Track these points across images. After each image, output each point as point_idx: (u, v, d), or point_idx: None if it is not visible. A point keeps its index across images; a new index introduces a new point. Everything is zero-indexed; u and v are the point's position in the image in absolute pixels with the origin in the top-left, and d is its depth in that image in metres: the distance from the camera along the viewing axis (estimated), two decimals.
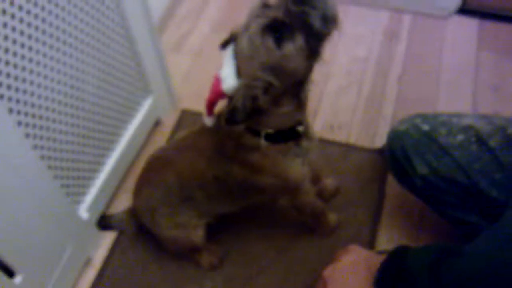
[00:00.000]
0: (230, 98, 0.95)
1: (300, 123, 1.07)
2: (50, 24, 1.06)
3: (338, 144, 1.64)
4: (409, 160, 1.16)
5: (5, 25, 0.93)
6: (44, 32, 1.04)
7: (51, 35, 1.06)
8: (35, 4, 1.00)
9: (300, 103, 1.02)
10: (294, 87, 0.97)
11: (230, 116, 0.92)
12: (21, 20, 0.97)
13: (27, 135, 1.07)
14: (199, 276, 1.38)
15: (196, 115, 1.72)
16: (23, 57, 1.00)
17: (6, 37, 0.94)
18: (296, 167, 1.11)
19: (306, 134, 1.10)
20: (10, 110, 1.00)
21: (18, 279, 1.12)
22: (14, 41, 0.97)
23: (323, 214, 1.37)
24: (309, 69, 0.95)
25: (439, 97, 1.77)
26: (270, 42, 0.87)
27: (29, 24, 0.99)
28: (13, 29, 0.96)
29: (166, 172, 1.20)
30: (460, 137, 1.10)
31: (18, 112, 1.02)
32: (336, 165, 1.58)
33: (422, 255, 0.88)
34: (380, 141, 1.64)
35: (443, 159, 1.11)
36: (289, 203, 1.24)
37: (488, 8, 2.00)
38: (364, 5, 2.10)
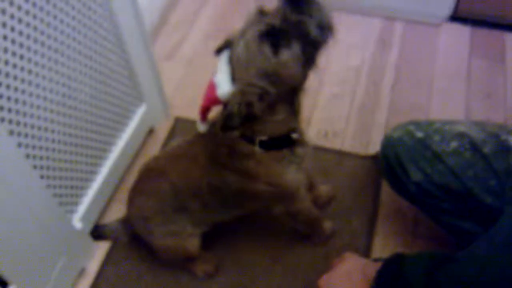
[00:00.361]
0: (225, 104, 0.95)
1: (294, 130, 1.07)
2: (42, 33, 1.05)
3: (332, 152, 1.64)
4: (403, 167, 1.16)
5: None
6: (35, 40, 1.04)
7: (42, 44, 1.06)
8: (27, 13, 0.99)
9: (294, 111, 1.03)
10: (289, 95, 0.98)
11: (225, 122, 0.93)
12: (13, 29, 0.96)
13: (19, 145, 1.06)
14: (194, 285, 1.37)
15: (190, 122, 1.71)
16: (14, 66, 0.99)
17: None
18: (291, 174, 1.11)
19: (300, 141, 1.10)
20: (2, 120, 0.99)
21: None
22: (6, 50, 0.96)
23: (318, 221, 1.36)
24: (304, 76, 0.95)
25: (432, 105, 1.78)
26: (267, 49, 0.88)
27: (20, 33, 0.99)
28: (5, 37, 0.95)
29: (159, 181, 1.19)
30: (453, 144, 1.10)
31: (10, 122, 1.01)
32: (330, 172, 1.58)
33: (418, 262, 0.87)
34: (374, 148, 1.64)
35: (437, 166, 1.11)
36: (284, 211, 1.23)
37: (479, 15, 2.02)
38: (357, 13, 2.11)
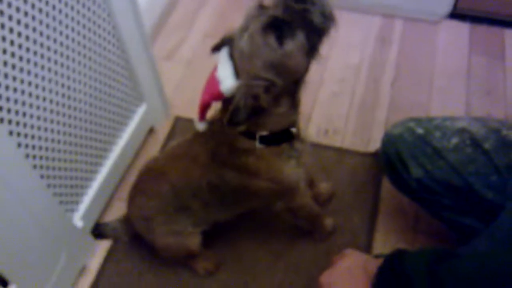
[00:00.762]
0: (226, 100, 0.95)
1: (294, 124, 1.07)
2: (41, 34, 1.05)
3: (332, 149, 1.64)
4: (403, 164, 1.16)
5: None
6: (34, 41, 1.04)
7: (41, 45, 1.06)
8: (25, 14, 0.99)
9: (295, 103, 1.03)
10: (292, 86, 0.98)
11: (231, 116, 0.92)
12: (11, 30, 0.96)
13: (19, 145, 1.06)
14: (195, 283, 1.37)
15: (189, 122, 1.71)
16: (13, 66, 0.99)
17: None
18: (291, 169, 1.11)
19: (298, 136, 1.11)
20: (1, 120, 0.99)
21: None
22: (4, 51, 0.96)
23: (319, 218, 1.37)
24: (308, 66, 0.95)
25: (432, 102, 1.78)
26: (271, 40, 0.88)
27: (19, 34, 0.99)
28: (3, 38, 0.95)
29: (160, 181, 1.19)
30: (454, 140, 1.10)
31: (10, 122, 1.01)
32: (331, 169, 1.58)
33: (420, 258, 0.87)
34: (374, 145, 1.64)
35: (437, 162, 1.11)
36: (285, 207, 1.24)
37: (479, 12, 2.02)
38: (357, 11, 2.11)
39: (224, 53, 0.95)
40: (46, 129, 1.14)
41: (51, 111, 1.14)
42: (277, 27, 0.87)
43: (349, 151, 1.64)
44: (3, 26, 0.94)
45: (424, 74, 1.88)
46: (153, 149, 1.68)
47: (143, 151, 1.67)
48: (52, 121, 1.15)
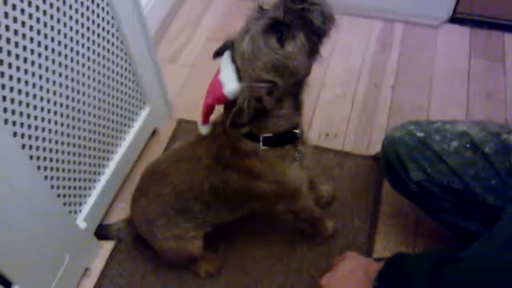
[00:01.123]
0: (229, 102, 0.96)
1: (297, 126, 1.07)
2: (45, 36, 1.06)
3: (333, 152, 1.65)
4: (404, 167, 1.17)
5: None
6: (39, 44, 1.05)
7: (46, 47, 1.07)
8: (30, 16, 1.00)
9: (297, 105, 1.03)
10: (294, 88, 0.98)
11: (235, 119, 0.93)
12: (16, 32, 0.97)
13: (23, 146, 1.07)
14: (197, 285, 1.38)
15: (192, 124, 1.72)
16: (18, 69, 1.00)
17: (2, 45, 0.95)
18: (294, 171, 1.11)
19: (301, 138, 1.11)
20: (6, 122, 1.00)
21: None
22: (9, 53, 0.97)
23: (321, 220, 1.37)
24: (309, 67, 0.96)
25: (432, 105, 1.79)
26: (273, 41, 0.88)
27: (23, 36, 1.00)
28: (8, 40, 0.96)
29: (162, 184, 1.20)
30: (454, 144, 1.11)
31: (14, 123, 1.02)
32: (332, 172, 1.59)
33: (421, 261, 0.88)
34: (374, 148, 1.65)
35: (438, 165, 1.11)
36: (286, 209, 1.24)
37: (478, 16, 2.03)
38: (357, 15, 2.12)
39: (226, 56, 0.96)
40: (50, 131, 1.15)
41: (55, 113, 1.15)
42: (278, 29, 0.88)
43: (350, 154, 1.65)
44: (7, 28, 0.95)
45: (425, 77, 1.89)
46: (156, 151, 1.69)
47: (146, 153, 1.68)
48: (56, 123, 1.16)
